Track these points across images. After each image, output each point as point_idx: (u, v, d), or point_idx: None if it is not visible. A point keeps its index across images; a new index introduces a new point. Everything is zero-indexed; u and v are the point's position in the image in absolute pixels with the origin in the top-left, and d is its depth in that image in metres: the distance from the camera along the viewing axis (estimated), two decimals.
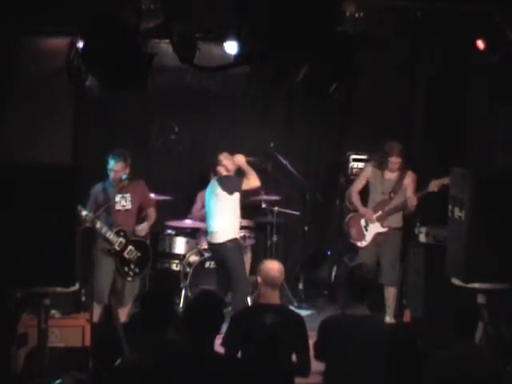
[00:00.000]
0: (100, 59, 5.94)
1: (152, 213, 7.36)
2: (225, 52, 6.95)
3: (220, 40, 6.99)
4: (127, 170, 7.06)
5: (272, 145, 8.63)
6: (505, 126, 7.64)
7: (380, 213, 7.55)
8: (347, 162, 8.47)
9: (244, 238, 8.09)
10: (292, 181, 8.92)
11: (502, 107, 7.54)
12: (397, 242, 7.61)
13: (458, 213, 5.46)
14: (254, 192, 7.74)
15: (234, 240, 7.15)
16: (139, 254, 7.10)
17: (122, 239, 7.00)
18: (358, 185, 7.74)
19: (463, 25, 6.59)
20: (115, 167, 6.99)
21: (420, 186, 7.47)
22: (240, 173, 7.33)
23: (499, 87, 6.91)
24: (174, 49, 6.35)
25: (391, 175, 7.55)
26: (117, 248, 6.97)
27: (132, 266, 7.07)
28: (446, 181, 7.14)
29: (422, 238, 7.62)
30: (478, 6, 6.35)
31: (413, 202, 7.39)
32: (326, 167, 9.18)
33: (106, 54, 5.86)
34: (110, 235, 6.93)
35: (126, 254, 7.02)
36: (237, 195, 7.19)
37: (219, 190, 7.18)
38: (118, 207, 7.05)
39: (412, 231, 7.73)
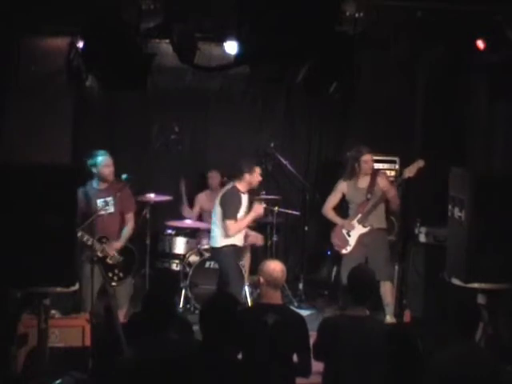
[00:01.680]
0: (100, 59, 5.94)
1: (129, 221, 7.02)
2: (225, 52, 6.95)
3: (220, 40, 6.99)
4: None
5: (272, 145, 8.63)
6: (505, 125, 7.63)
7: (360, 215, 7.49)
8: (347, 162, 8.44)
9: (244, 237, 8.10)
10: (292, 181, 8.92)
11: (502, 107, 7.54)
12: (384, 243, 7.57)
13: (458, 213, 5.46)
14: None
15: (231, 246, 7.14)
16: (122, 259, 6.94)
17: (104, 246, 6.82)
18: (332, 201, 7.68)
19: (463, 25, 6.59)
20: (106, 161, 6.79)
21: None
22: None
23: (499, 87, 6.91)
24: (174, 49, 6.37)
25: (364, 182, 7.51)
26: (99, 255, 6.80)
27: (116, 271, 6.89)
28: (419, 164, 7.20)
29: (422, 238, 7.62)
30: (478, 5, 6.35)
31: (391, 192, 7.37)
32: (326, 167, 9.18)
33: (106, 54, 5.86)
34: (92, 242, 6.76)
35: (108, 260, 6.82)
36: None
37: (218, 201, 7.17)
38: (100, 212, 6.86)
39: (412, 231, 7.73)
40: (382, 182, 7.50)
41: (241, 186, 7.10)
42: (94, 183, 6.88)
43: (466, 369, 4.31)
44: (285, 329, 4.81)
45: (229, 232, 7.02)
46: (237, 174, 7.13)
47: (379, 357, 4.51)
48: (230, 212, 7.02)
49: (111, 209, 6.90)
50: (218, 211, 7.14)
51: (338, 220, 7.65)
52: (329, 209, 7.69)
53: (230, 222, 7.00)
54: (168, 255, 8.11)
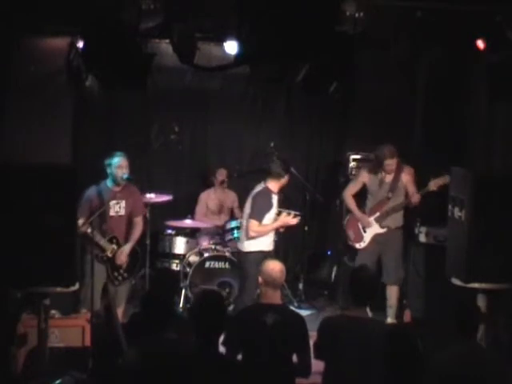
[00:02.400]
0: (100, 59, 5.95)
1: (138, 224, 7.13)
2: (225, 52, 6.95)
3: (220, 40, 6.99)
4: (128, 171, 7.02)
5: (272, 145, 8.62)
6: (505, 125, 7.63)
7: (378, 214, 7.46)
8: (347, 161, 8.45)
9: None
10: (292, 181, 8.91)
11: (502, 107, 7.54)
12: (399, 241, 7.54)
13: (458, 213, 5.46)
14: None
15: (259, 252, 6.85)
16: (128, 261, 7.01)
17: (114, 246, 6.93)
18: (353, 188, 7.63)
19: (463, 25, 6.59)
20: (121, 163, 6.87)
21: (419, 185, 7.43)
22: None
23: (499, 87, 6.90)
24: (174, 49, 6.37)
25: (388, 177, 7.45)
26: (109, 255, 6.91)
27: (121, 271, 6.99)
28: (445, 180, 7.11)
29: (422, 238, 7.61)
30: (478, 5, 6.35)
31: (415, 199, 7.29)
32: (326, 167, 9.18)
33: (106, 54, 5.86)
34: (104, 242, 6.86)
35: (116, 260, 6.97)
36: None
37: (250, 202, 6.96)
38: (111, 213, 6.92)
39: (412, 231, 7.72)
40: (405, 178, 7.40)
41: (273, 186, 6.95)
42: (109, 183, 6.96)
43: (466, 369, 4.31)
44: (284, 329, 4.81)
45: (250, 231, 6.83)
46: (274, 176, 6.96)
47: (379, 357, 4.51)
48: (256, 213, 6.85)
49: (122, 211, 7.00)
50: (248, 212, 6.99)
51: (356, 211, 7.56)
52: (349, 195, 7.62)
53: (253, 222, 6.83)
54: (168, 255, 8.10)
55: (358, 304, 4.74)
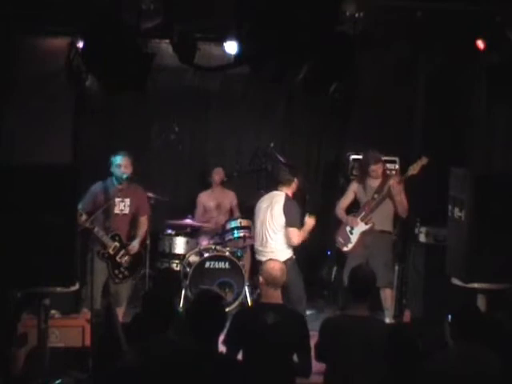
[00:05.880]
0: (100, 59, 5.95)
1: (144, 223, 7.22)
2: (225, 52, 6.95)
3: (220, 40, 6.99)
4: (131, 170, 7.04)
5: (272, 145, 8.62)
6: (504, 126, 7.64)
7: (363, 213, 7.45)
8: (347, 162, 8.45)
9: (244, 238, 8.09)
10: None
11: (502, 108, 7.54)
12: (387, 246, 7.49)
13: (458, 213, 5.47)
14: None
15: (291, 258, 6.94)
16: (131, 259, 7.08)
17: (116, 243, 6.97)
18: (345, 201, 7.64)
19: (463, 25, 6.60)
20: (123, 162, 6.94)
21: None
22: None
23: (499, 87, 6.91)
24: (174, 49, 6.37)
25: (375, 182, 7.48)
26: (111, 252, 6.94)
27: (122, 269, 7.02)
28: (422, 161, 7.22)
29: (422, 238, 7.61)
30: (478, 5, 6.35)
31: (396, 186, 7.27)
32: (326, 167, 9.17)
33: (106, 54, 5.87)
34: (106, 238, 6.90)
35: (118, 258, 7.00)
36: None
37: (279, 211, 6.94)
38: (116, 211, 7.00)
39: (412, 231, 7.72)
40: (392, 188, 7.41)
41: (290, 192, 7.02)
42: (114, 180, 7.03)
43: (466, 369, 4.31)
44: (285, 328, 4.81)
45: (294, 240, 6.89)
46: (285, 182, 7.06)
47: (379, 357, 4.51)
48: (294, 220, 6.91)
49: (126, 210, 7.06)
50: (279, 222, 6.95)
51: (344, 217, 7.59)
52: (340, 209, 7.64)
53: (295, 230, 6.88)
54: (168, 255, 8.10)
55: (356, 300, 4.74)
